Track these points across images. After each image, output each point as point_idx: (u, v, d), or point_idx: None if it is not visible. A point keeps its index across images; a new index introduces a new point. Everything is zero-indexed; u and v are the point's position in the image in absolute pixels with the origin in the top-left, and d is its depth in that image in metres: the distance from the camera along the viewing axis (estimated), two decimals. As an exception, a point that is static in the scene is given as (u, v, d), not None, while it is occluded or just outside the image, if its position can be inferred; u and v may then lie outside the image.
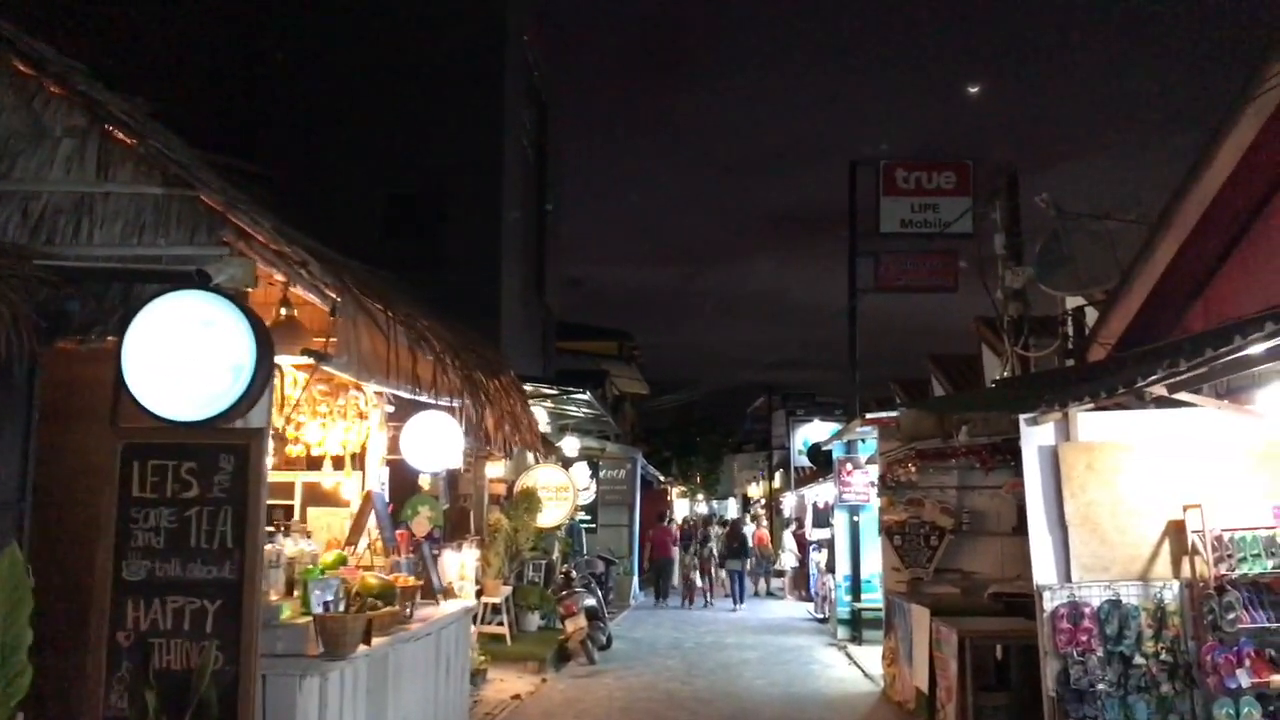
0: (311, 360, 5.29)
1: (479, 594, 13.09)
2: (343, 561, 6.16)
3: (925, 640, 9.44)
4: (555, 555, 17.01)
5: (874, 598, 15.42)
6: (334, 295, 5.23)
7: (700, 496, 52.48)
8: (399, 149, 16.18)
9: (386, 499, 8.41)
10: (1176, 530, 6.19)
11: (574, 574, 14.49)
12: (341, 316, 5.28)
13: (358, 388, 7.49)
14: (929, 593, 11.25)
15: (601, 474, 23.74)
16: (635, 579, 23.78)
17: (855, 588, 15.73)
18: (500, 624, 13.41)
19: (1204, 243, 7.90)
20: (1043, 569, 6.29)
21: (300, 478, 8.42)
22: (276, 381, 6.10)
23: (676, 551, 24.56)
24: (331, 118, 16.01)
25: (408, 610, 6.78)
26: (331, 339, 5.32)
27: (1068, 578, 6.22)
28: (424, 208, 16.44)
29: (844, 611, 15.93)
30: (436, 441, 8.12)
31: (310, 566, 5.67)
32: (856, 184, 16.83)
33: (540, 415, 18.18)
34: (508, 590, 14.18)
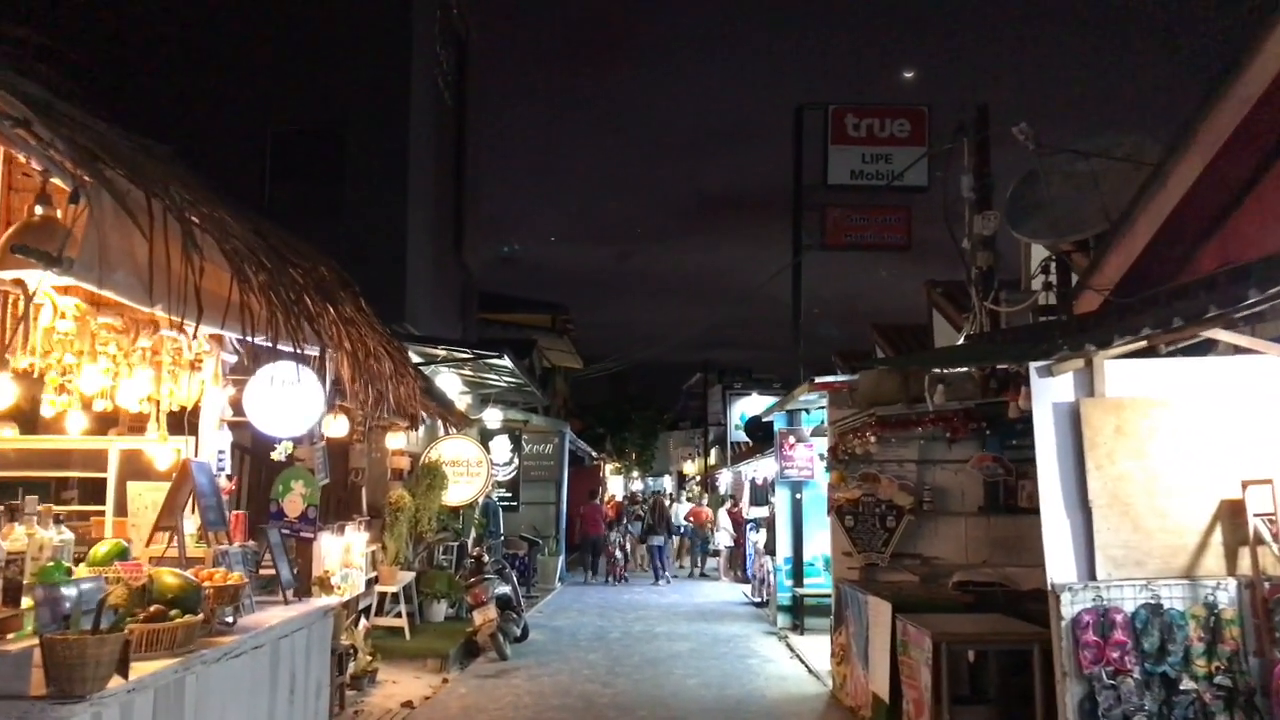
0: (39, 264, 3.60)
1: (373, 582, 11.46)
2: (120, 554, 4.49)
3: (885, 639, 8.03)
4: (470, 537, 15.41)
5: (818, 582, 14.10)
6: (73, 170, 3.56)
7: (635, 474, 51.39)
8: (287, 79, 14.26)
9: (226, 469, 6.73)
10: (1232, 512, 4.78)
11: (486, 558, 12.86)
12: (91, 205, 3.61)
13: (177, 326, 5.77)
14: (885, 581, 9.90)
15: (526, 448, 22.15)
16: (562, 560, 22.25)
17: (797, 571, 14.36)
18: (399, 615, 11.77)
19: (1232, 164, 6.51)
20: (1059, 563, 4.82)
21: (116, 444, 6.72)
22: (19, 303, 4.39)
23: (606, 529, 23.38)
24: (208, 42, 14.02)
25: (228, 617, 5.14)
26: (70, 236, 3.64)
27: (1092, 575, 4.76)
28: (317, 147, 14.56)
29: (785, 597, 14.56)
30: (288, 400, 6.48)
31: (51, 564, 3.99)
32: (803, 131, 15.32)
33: (454, 383, 16.53)
34: (409, 577, 12.54)
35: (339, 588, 9.32)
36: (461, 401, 19.01)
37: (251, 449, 7.27)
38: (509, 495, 18.78)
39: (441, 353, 15.33)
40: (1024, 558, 10.00)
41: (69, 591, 3.77)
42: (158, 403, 5.75)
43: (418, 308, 15.15)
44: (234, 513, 6.36)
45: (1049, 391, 4.99)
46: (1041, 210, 9.85)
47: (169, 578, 4.66)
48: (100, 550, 4.47)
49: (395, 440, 12.65)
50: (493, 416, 18.33)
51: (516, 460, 19.00)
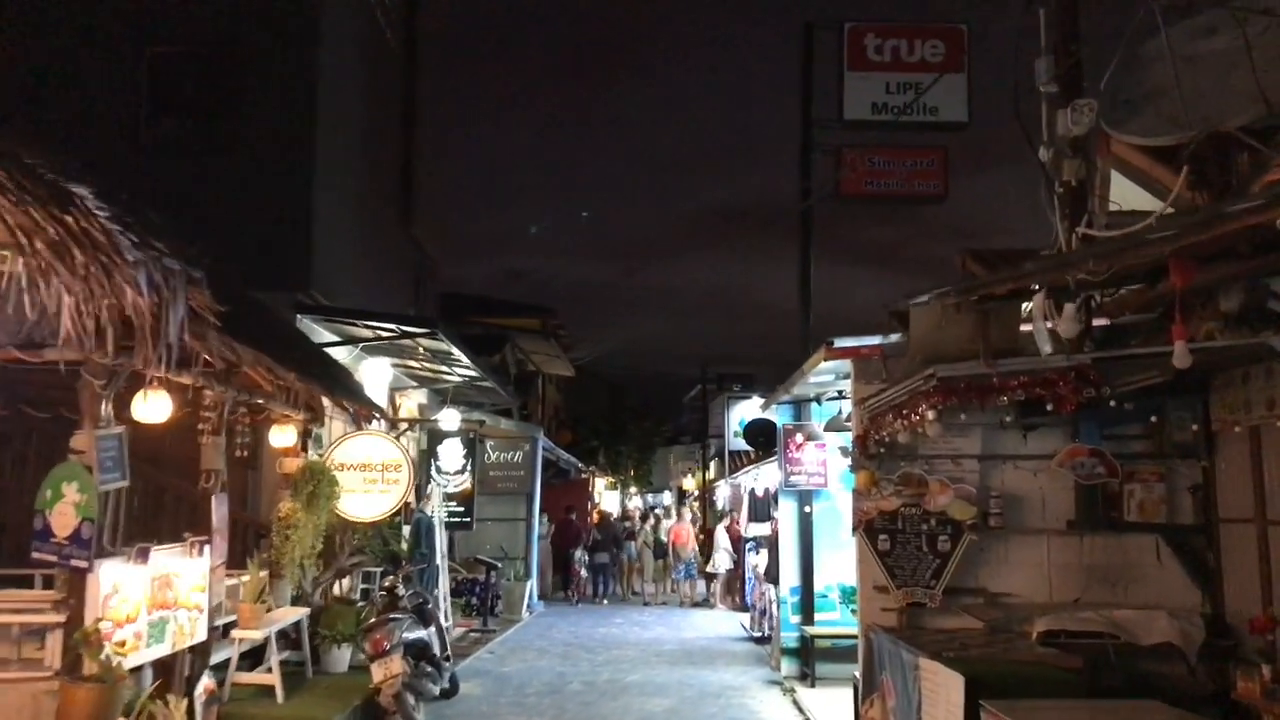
0: None
1: (227, 629, 8.48)
2: None
3: (952, 730, 5.03)
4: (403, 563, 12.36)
5: (833, 619, 11.10)
6: None
7: (633, 489, 48.67)
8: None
9: None
10: None
11: (400, 590, 9.82)
12: None
13: None
14: (937, 629, 6.96)
15: (492, 455, 19.16)
16: (532, 585, 19.18)
17: (807, 605, 11.34)
18: (269, 670, 8.74)
19: None
20: None
21: None
22: None
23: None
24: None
25: None
26: None
27: None
28: (205, 72, 11.62)
29: (791, 638, 11.51)
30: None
31: None
32: (813, 57, 12.34)
33: (384, 371, 13.60)
34: (298, 615, 9.54)
35: (129, 644, 6.31)
36: (412, 400, 16.09)
37: None
38: (461, 510, 15.70)
39: (367, 333, 12.41)
40: (1134, 594, 7.05)
41: None
42: None
43: (332, 276, 12.17)
44: None
45: None
46: (1151, 103, 6.91)
47: None
48: None
49: (282, 437, 9.68)
50: (451, 418, 15.31)
51: (470, 469, 15.92)
